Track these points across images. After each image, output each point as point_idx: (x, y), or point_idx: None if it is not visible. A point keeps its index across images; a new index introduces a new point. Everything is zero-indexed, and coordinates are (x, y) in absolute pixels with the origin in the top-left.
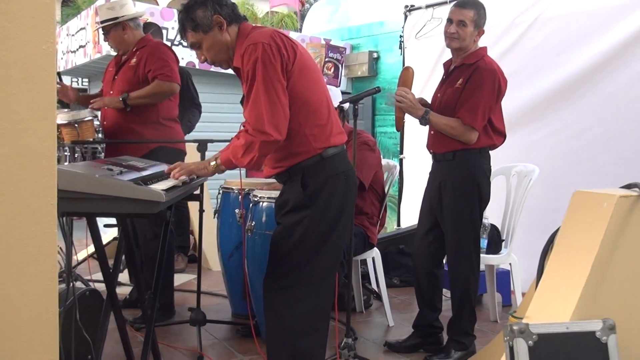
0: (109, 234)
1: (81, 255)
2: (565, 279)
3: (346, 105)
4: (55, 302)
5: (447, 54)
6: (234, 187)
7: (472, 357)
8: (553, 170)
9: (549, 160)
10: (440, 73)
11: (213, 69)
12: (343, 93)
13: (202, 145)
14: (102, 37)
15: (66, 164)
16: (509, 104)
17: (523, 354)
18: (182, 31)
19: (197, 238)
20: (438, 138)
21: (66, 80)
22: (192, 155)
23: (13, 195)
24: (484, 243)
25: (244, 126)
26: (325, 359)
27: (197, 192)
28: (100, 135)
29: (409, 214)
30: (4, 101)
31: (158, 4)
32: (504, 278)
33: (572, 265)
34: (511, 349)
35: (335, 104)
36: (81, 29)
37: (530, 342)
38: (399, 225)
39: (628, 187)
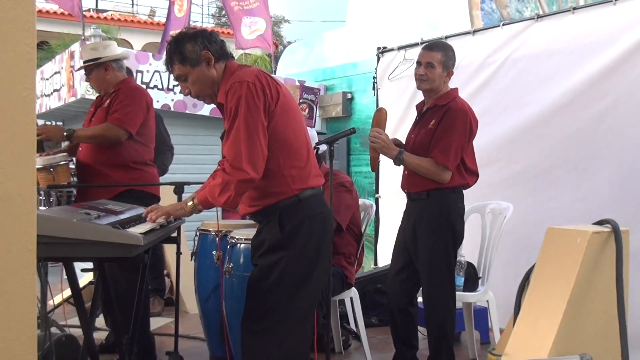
0: (84, 278)
1: (56, 300)
2: (542, 315)
3: (322, 147)
4: (34, 348)
5: (420, 95)
6: (211, 229)
7: None
8: (525, 207)
9: (520, 196)
10: (413, 113)
11: (188, 111)
12: (318, 134)
13: (178, 188)
14: (77, 80)
15: (42, 208)
16: (481, 141)
17: None
18: (169, 63)
19: (173, 281)
20: (412, 178)
21: (40, 124)
22: (168, 197)
23: None
24: (460, 281)
25: (220, 164)
26: None
27: (175, 234)
28: (75, 179)
29: (386, 253)
30: None
31: (133, 48)
32: (481, 315)
33: (548, 302)
34: None
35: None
36: (56, 72)
37: None
38: (376, 264)
39: (600, 223)
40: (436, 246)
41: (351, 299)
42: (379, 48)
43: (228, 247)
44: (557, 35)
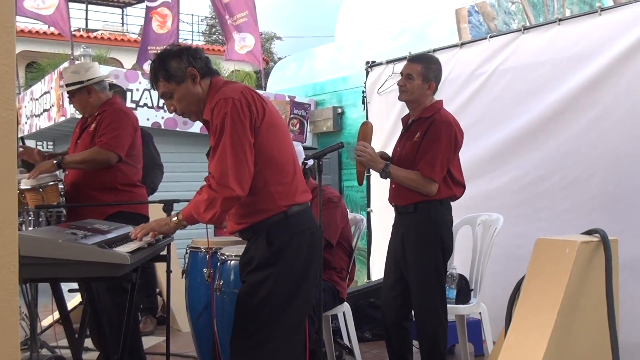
0: (75, 299)
1: (47, 321)
2: (533, 326)
3: (310, 162)
4: None
5: (408, 108)
6: (201, 247)
7: None
8: (514, 218)
9: (510, 208)
10: (402, 126)
11: (179, 128)
12: (309, 148)
13: (167, 206)
14: (66, 100)
15: (30, 228)
16: (470, 153)
17: None
18: (154, 80)
19: (165, 299)
20: (399, 191)
21: (30, 144)
22: (158, 216)
23: None
24: (452, 293)
25: (207, 180)
26: None
27: (164, 252)
28: (64, 199)
29: (379, 266)
30: None
31: (123, 67)
32: (474, 327)
33: (539, 313)
34: None
35: (299, 161)
36: (45, 92)
37: None
38: (369, 278)
39: (589, 233)
40: (425, 259)
41: (344, 313)
42: (367, 62)
43: (218, 264)
44: (544, 46)
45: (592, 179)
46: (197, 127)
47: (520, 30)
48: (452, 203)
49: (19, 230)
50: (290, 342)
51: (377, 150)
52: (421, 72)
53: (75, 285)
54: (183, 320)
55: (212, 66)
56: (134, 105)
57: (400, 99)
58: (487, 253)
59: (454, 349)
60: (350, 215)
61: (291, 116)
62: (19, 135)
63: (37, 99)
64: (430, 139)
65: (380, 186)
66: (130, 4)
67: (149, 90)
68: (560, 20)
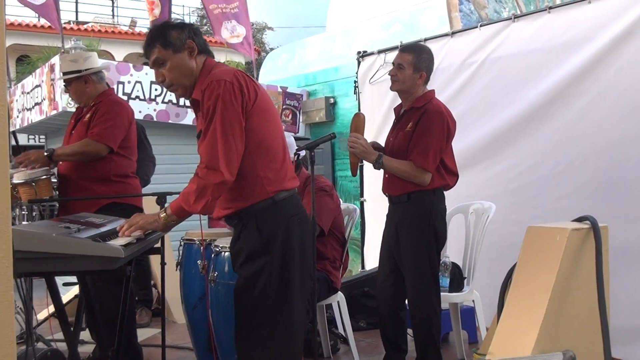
0: (70, 292)
1: (42, 314)
2: (525, 313)
3: (302, 152)
4: None
5: (400, 98)
6: (195, 239)
7: None
8: (508, 206)
9: (503, 196)
10: (394, 116)
11: (171, 120)
12: (302, 139)
13: (161, 198)
14: (58, 94)
15: (24, 222)
16: (463, 142)
17: None
18: (150, 46)
19: (159, 291)
20: (392, 181)
21: (22, 137)
22: (151, 208)
23: None
24: (446, 282)
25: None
26: None
27: (158, 245)
28: (57, 192)
29: (373, 256)
30: None
31: (114, 59)
32: (468, 315)
33: (530, 300)
34: None
35: (291, 152)
36: (36, 86)
37: None
38: (363, 267)
39: (579, 220)
40: (419, 249)
41: (338, 303)
42: (359, 52)
43: (213, 255)
44: (535, 34)
45: (584, 166)
46: (189, 119)
47: (510, 18)
48: (446, 192)
49: (13, 225)
50: (296, 327)
51: (369, 141)
52: (412, 61)
53: (70, 279)
54: (178, 312)
55: (209, 47)
56: (125, 98)
57: (392, 88)
58: (479, 241)
59: (448, 337)
60: (344, 205)
61: (283, 107)
62: (11, 130)
63: (28, 93)
64: (423, 129)
65: (373, 176)
66: None
67: (140, 82)
68: (550, 8)
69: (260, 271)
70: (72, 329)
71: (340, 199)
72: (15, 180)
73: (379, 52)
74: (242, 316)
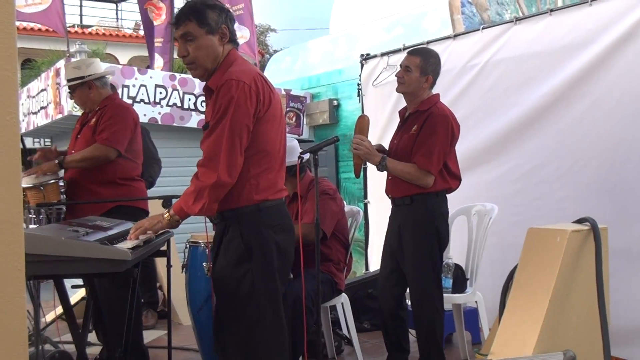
0: (77, 294)
1: (50, 316)
2: (526, 313)
3: (306, 155)
4: None
5: (404, 101)
6: (200, 241)
7: None
8: (511, 208)
9: (506, 198)
10: (398, 118)
11: (175, 123)
12: (306, 141)
13: (167, 201)
14: (63, 97)
15: (32, 226)
16: (466, 145)
17: None
18: (184, 17)
19: (165, 293)
20: (396, 183)
21: (28, 141)
22: (157, 210)
23: None
24: (449, 283)
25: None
26: None
27: (164, 247)
28: (64, 196)
29: (377, 257)
30: None
31: (119, 62)
32: (471, 316)
33: (531, 300)
34: None
35: (295, 157)
36: (42, 90)
37: None
38: (367, 269)
39: (580, 221)
40: (422, 250)
41: (342, 304)
42: (362, 55)
43: None
44: (536, 37)
45: (585, 169)
46: (193, 122)
47: (512, 21)
48: (449, 195)
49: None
50: (274, 337)
51: (373, 143)
52: (419, 64)
53: (77, 281)
54: (184, 313)
55: (237, 38)
56: (130, 102)
57: (398, 90)
58: (482, 242)
59: (451, 338)
60: (347, 208)
61: (287, 109)
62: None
63: (34, 97)
64: (427, 132)
65: (377, 178)
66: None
67: (145, 86)
68: (551, 10)
69: (243, 277)
70: (79, 330)
71: (343, 202)
72: (23, 185)
73: (382, 54)
74: (229, 321)
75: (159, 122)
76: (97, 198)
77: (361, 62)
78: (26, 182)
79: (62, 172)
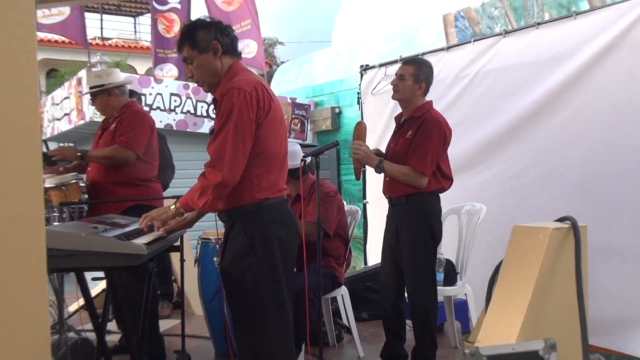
0: (98, 286)
1: (73, 307)
2: (510, 305)
3: (309, 159)
4: (46, 352)
5: (400, 108)
6: (211, 237)
7: None
8: (498, 208)
9: (494, 198)
10: (394, 124)
11: (189, 129)
12: (309, 146)
13: None
14: (85, 104)
15: (56, 223)
16: (457, 149)
17: None
18: (180, 44)
19: (179, 285)
20: (392, 184)
21: (52, 145)
22: None
23: (5, 257)
24: (440, 276)
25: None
26: None
27: (178, 243)
28: (85, 195)
29: (375, 253)
30: None
31: (137, 72)
32: (461, 307)
33: (515, 293)
34: None
35: (297, 160)
36: (65, 98)
37: None
38: (365, 263)
39: (561, 220)
40: (417, 247)
41: (342, 296)
42: (362, 66)
43: None
44: (524, 49)
45: (567, 172)
46: (205, 128)
47: (501, 34)
48: (443, 194)
49: (46, 226)
50: (281, 319)
51: (372, 147)
52: (413, 73)
53: (98, 274)
54: (196, 304)
55: (237, 47)
56: (147, 109)
57: (393, 97)
58: (471, 240)
59: (443, 327)
60: (347, 207)
61: (293, 116)
62: (42, 139)
63: (57, 104)
64: (422, 137)
65: (375, 180)
66: (142, 13)
67: (160, 94)
68: (538, 24)
69: (247, 269)
70: (100, 319)
71: (343, 202)
72: (46, 185)
73: (380, 65)
74: (234, 310)
75: (174, 128)
76: (116, 198)
77: (361, 72)
78: (49, 182)
79: (83, 175)
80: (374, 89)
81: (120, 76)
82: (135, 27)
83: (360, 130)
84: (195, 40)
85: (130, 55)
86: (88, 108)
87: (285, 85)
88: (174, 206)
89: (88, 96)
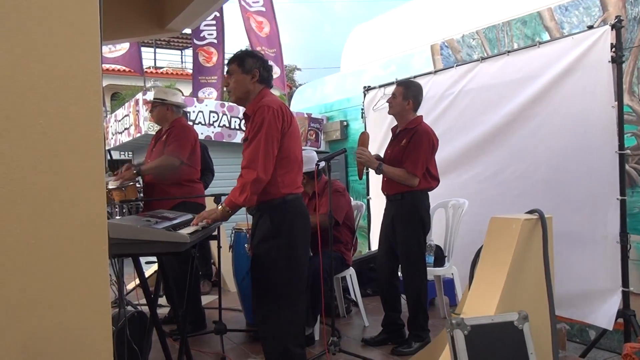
0: (151, 268)
1: (130, 285)
2: (489, 283)
3: (322, 163)
4: (108, 322)
5: (395, 121)
6: (243, 228)
7: (427, 346)
8: (478, 202)
9: (475, 194)
10: (391, 134)
11: (224, 140)
12: (322, 152)
13: (217, 198)
14: (141, 121)
15: (117, 217)
16: (444, 154)
17: (460, 341)
18: (231, 60)
19: (217, 267)
20: (389, 183)
21: (115, 154)
22: (211, 206)
23: (76, 245)
24: (431, 259)
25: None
26: (316, 354)
27: (215, 233)
28: (141, 194)
29: (377, 240)
30: (69, 175)
31: (183, 94)
32: (449, 285)
33: (493, 273)
34: (452, 338)
35: (312, 165)
36: (125, 115)
37: (465, 332)
38: (369, 248)
39: (530, 212)
40: (410, 235)
41: (350, 276)
42: (365, 87)
43: None
44: (497, 71)
45: (536, 171)
46: (238, 138)
47: (479, 60)
48: (431, 192)
49: (108, 219)
50: (296, 297)
51: (373, 153)
52: (402, 92)
53: (150, 259)
54: (231, 282)
55: (271, 80)
56: (190, 123)
57: (389, 112)
58: (456, 228)
59: (434, 301)
60: (353, 202)
61: (309, 128)
62: (107, 148)
63: (119, 120)
64: (414, 145)
65: (377, 180)
66: (187, 47)
67: (202, 111)
68: (509, 52)
69: (270, 249)
70: (152, 296)
71: (351, 197)
72: (110, 186)
73: (380, 86)
74: (257, 284)
75: (212, 139)
76: (167, 196)
77: (364, 92)
78: (112, 184)
79: (139, 178)
80: (374, 105)
81: (180, 98)
82: (182, 58)
83: (363, 138)
84: (244, 62)
85: (177, 81)
86: (143, 123)
87: (302, 103)
88: (220, 207)
89: (145, 114)
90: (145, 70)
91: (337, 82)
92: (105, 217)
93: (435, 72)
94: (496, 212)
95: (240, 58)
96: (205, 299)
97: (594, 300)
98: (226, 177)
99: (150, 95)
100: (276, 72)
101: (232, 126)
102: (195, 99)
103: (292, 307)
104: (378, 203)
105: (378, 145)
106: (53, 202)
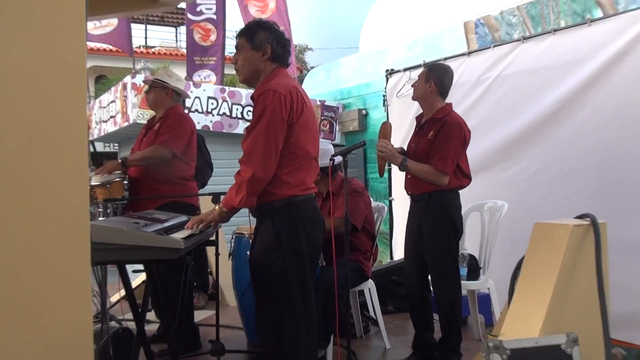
0: (139, 278)
1: (115, 297)
2: (533, 299)
3: (338, 158)
4: (89, 340)
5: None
6: (244, 232)
7: None
8: (519, 205)
9: (515, 196)
10: None
11: (224, 130)
12: (338, 145)
13: (215, 197)
14: (129, 108)
15: (101, 218)
16: (479, 149)
17: None
18: (240, 34)
19: (215, 278)
20: (415, 181)
21: (99, 145)
22: (208, 206)
23: (52, 250)
24: (464, 271)
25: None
26: None
27: (213, 238)
28: (127, 192)
29: (400, 248)
30: (45, 169)
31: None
32: (485, 301)
33: (537, 287)
34: None
35: (327, 159)
36: (111, 101)
37: (504, 356)
38: (391, 258)
39: (581, 217)
40: (441, 240)
41: (369, 289)
42: (387, 70)
43: None
44: (541, 54)
45: (586, 169)
46: (240, 129)
47: (520, 40)
48: (464, 191)
49: (91, 220)
50: (304, 312)
51: (396, 146)
52: (424, 74)
53: (138, 267)
54: (230, 296)
55: (285, 58)
56: (186, 111)
57: (412, 98)
58: (493, 236)
59: (467, 320)
60: (374, 204)
61: (322, 118)
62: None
63: (104, 107)
64: (443, 138)
65: (400, 178)
66: (182, 24)
67: (199, 97)
68: (555, 30)
69: (275, 261)
70: (139, 310)
71: (370, 198)
72: (93, 183)
73: (405, 69)
74: (258, 299)
75: (211, 129)
76: (155, 194)
77: (386, 76)
78: (95, 180)
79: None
80: (398, 91)
81: (183, 85)
82: (176, 36)
83: (385, 130)
84: (253, 36)
85: (171, 63)
86: (132, 111)
87: (314, 89)
88: (217, 207)
89: (133, 100)
90: (135, 49)
91: (354, 65)
92: (88, 218)
93: (469, 53)
94: (540, 217)
95: (251, 31)
96: (200, 315)
97: None
98: (226, 173)
99: (139, 79)
100: None
101: (234, 115)
102: (191, 83)
103: (298, 327)
104: (402, 205)
105: (402, 137)
106: (26, 201)
